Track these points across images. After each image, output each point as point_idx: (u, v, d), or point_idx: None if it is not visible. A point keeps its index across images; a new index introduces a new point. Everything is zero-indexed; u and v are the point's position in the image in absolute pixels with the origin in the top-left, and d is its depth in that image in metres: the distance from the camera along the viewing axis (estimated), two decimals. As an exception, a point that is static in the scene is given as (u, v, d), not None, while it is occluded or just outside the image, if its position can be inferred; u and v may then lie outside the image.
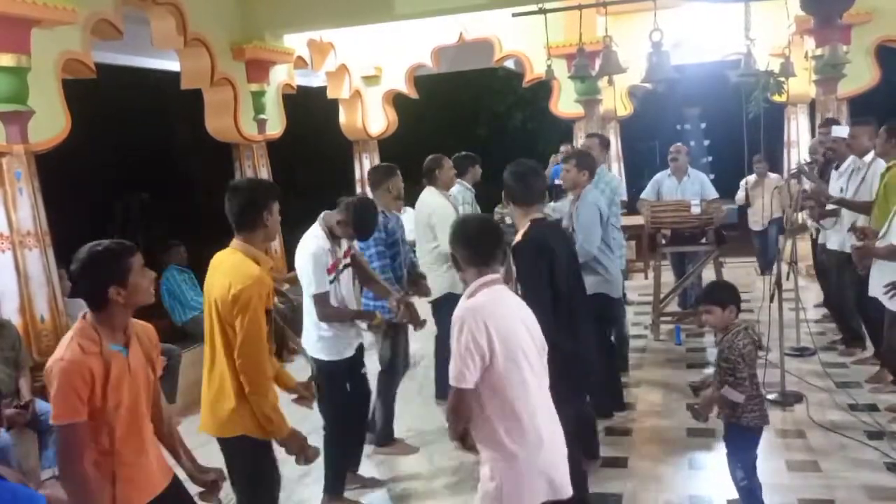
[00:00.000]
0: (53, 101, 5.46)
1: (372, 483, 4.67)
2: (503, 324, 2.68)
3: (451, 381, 2.67)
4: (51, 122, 5.41)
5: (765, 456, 3.98)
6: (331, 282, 4.17)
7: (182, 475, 3.01)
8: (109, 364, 2.60)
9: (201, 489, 3.03)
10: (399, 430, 5.30)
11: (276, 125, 8.28)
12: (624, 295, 8.95)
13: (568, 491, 2.79)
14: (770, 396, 5.35)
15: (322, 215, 4.29)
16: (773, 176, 9.80)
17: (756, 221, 9.93)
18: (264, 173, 8.07)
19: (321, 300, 4.14)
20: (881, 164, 5.45)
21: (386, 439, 5.15)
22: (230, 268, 3.15)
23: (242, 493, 3.32)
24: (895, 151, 5.25)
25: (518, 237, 3.73)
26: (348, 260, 4.35)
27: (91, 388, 2.55)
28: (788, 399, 5.44)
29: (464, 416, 2.72)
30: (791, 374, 5.73)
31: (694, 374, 6.26)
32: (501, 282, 2.85)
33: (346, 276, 4.34)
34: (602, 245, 5.15)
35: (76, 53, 5.67)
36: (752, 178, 9.89)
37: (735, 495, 3.95)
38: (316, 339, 4.25)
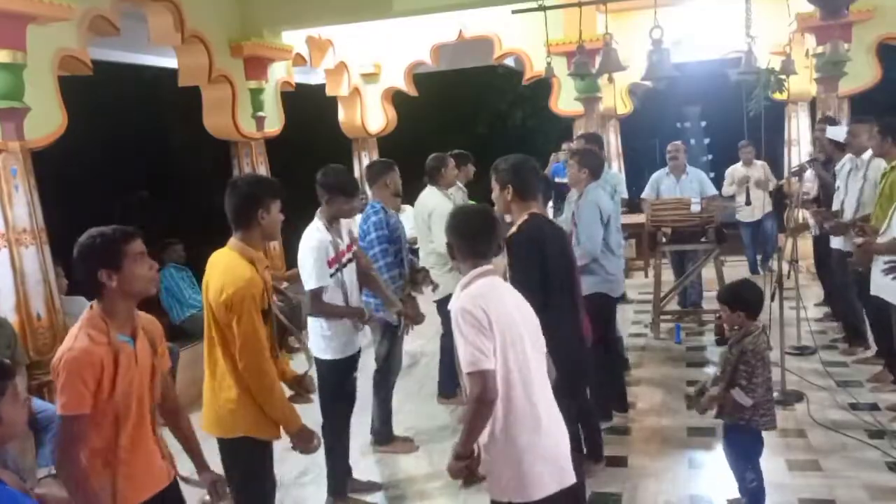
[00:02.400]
0: (50, 97, 5.42)
1: (369, 487, 4.62)
2: (501, 311, 2.67)
3: (468, 368, 2.58)
4: (47, 119, 5.37)
5: (765, 455, 3.95)
6: (332, 275, 4.13)
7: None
8: (118, 354, 2.58)
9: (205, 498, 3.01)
10: (399, 428, 5.28)
11: (274, 123, 8.24)
12: (623, 293, 8.97)
13: (572, 478, 2.78)
14: (770, 395, 5.33)
15: (319, 209, 4.26)
16: (758, 163, 9.59)
17: (747, 213, 9.67)
18: (263, 171, 8.02)
19: (315, 295, 4.10)
20: (881, 163, 5.41)
21: (385, 438, 5.13)
22: (222, 270, 3.12)
23: (240, 492, 3.28)
24: (894, 150, 5.21)
25: (514, 229, 3.71)
26: (351, 254, 4.31)
27: (99, 379, 2.53)
28: (789, 398, 5.41)
29: (492, 401, 2.60)
30: (792, 373, 5.70)
31: (693, 372, 6.24)
32: (496, 272, 2.83)
33: (350, 269, 4.30)
34: (603, 245, 5.09)
35: (72, 50, 5.63)
36: (738, 166, 9.70)
37: (734, 494, 3.93)
38: (318, 337, 4.24)
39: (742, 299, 3.80)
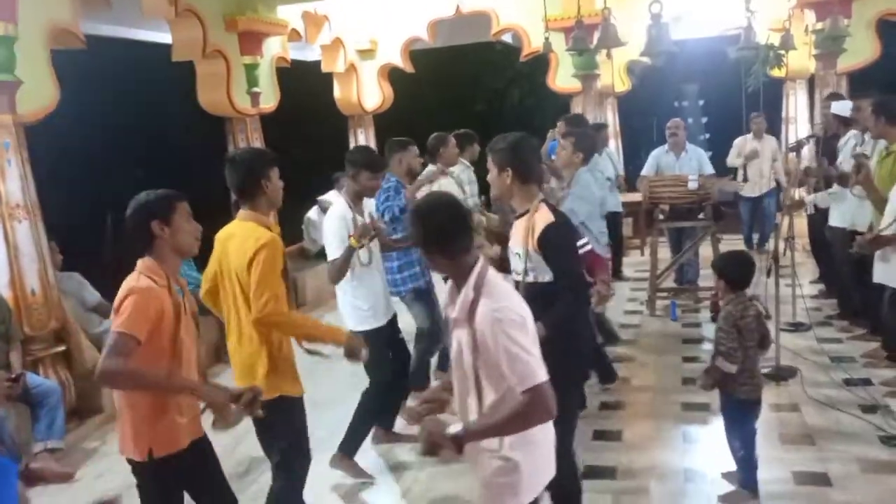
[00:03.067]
0: (42, 71, 5.37)
1: (408, 438, 4.75)
2: (522, 304, 2.44)
3: (532, 382, 2.26)
4: (39, 93, 5.33)
5: (759, 430, 3.97)
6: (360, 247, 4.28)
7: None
8: (178, 301, 2.81)
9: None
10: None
11: (269, 98, 8.19)
12: (620, 271, 8.98)
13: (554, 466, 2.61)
14: (764, 371, 5.32)
15: (344, 188, 4.50)
16: (770, 138, 9.40)
17: (751, 188, 9.40)
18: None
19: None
20: (881, 144, 5.35)
21: (419, 381, 5.06)
22: (243, 236, 3.26)
23: (285, 451, 3.42)
24: (893, 130, 5.15)
25: (549, 219, 3.28)
26: (373, 232, 4.36)
27: (160, 318, 2.71)
28: (783, 373, 5.43)
29: (548, 417, 2.33)
30: (786, 349, 5.72)
31: (689, 348, 6.25)
32: (487, 264, 2.50)
33: (375, 246, 4.43)
34: (582, 227, 5.02)
35: (65, 22, 5.58)
36: (748, 137, 9.42)
37: (728, 468, 3.95)
38: (351, 309, 4.39)
39: (727, 270, 3.87)
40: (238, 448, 4.60)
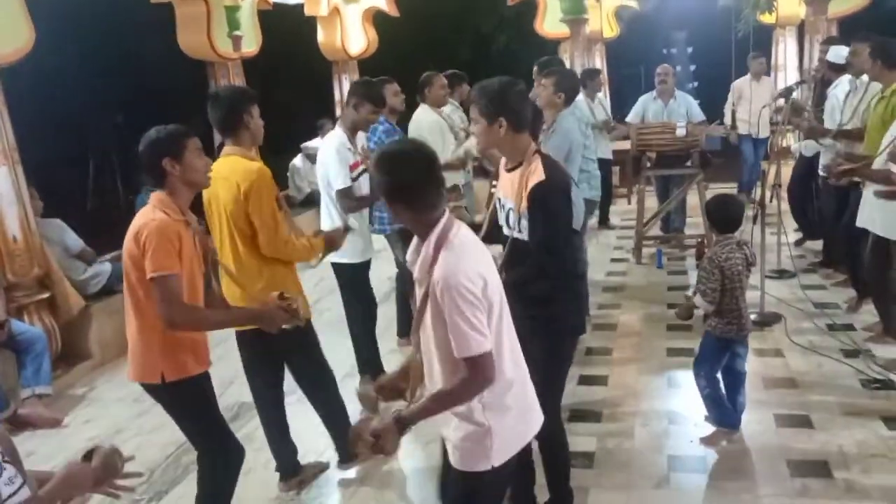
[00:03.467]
0: (17, 12, 5.22)
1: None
2: (484, 264, 2.32)
3: (467, 353, 2.20)
4: (14, 34, 5.19)
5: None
6: (354, 178, 4.35)
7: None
8: (190, 233, 2.87)
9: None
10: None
11: (251, 42, 8.04)
12: (607, 219, 8.99)
13: (542, 417, 2.55)
14: (750, 317, 5.38)
15: (339, 120, 4.54)
16: (768, 79, 9.12)
17: (746, 123, 8.90)
18: (241, 93, 7.85)
19: (345, 194, 4.31)
20: (876, 88, 5.29)
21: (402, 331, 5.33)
22: (231, 171, 3.32)
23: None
24: (889, 74, 5.09)
25: (540, 177, 2.95)
26: (364, 167, 4.45)
27: (179, 249, 2.77)
28: (767, 319, 5.49)
29: (487, 385, 2.26)
30: (771, 296, 5.77)
31: (674, 295, 6.29)
32: (454, 219, 2.35)
33: (365, 181, 4.46)
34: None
35: (39, -39, 5.40)
36: (747, 79, 9.02)
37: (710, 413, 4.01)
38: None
39: (715, 212, 3.93)
40: (227, 392, 4.62)
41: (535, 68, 6.26)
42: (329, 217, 4.46)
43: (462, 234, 2.32)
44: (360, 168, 4.46)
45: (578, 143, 4.89)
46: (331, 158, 4.36)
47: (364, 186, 4.46)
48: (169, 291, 2.72)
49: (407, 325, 5.16)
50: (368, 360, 4.73)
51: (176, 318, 2.75)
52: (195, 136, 2.93)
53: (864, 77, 5.54)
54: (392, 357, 5.00)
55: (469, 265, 2.23)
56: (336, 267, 4.54)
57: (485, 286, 2.23)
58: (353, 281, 4.59)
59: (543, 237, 2.92)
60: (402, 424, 2.28)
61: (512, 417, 2.40)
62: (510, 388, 2.37)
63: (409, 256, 2.43)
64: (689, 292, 3.89)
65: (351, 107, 4.44)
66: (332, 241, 3.78)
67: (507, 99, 2.96)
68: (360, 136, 4.77)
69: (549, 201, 2.95)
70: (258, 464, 3.94)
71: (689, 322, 4.18)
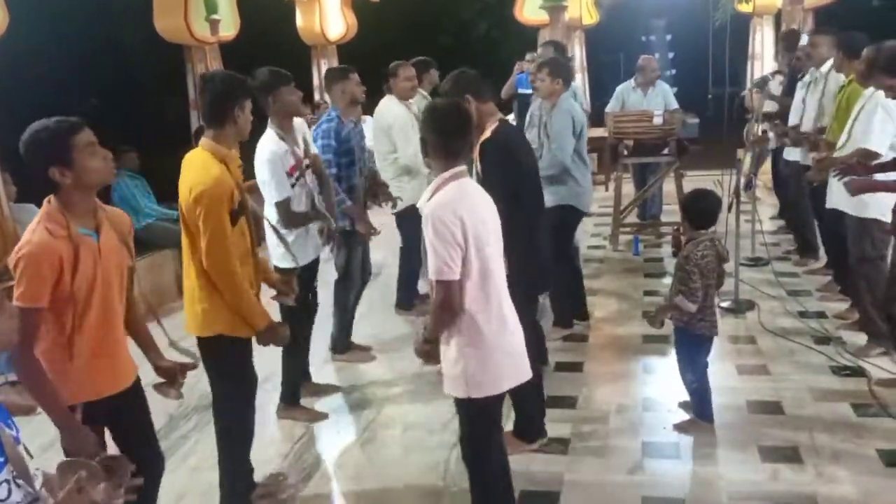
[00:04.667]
0: (-12, -7, 5.14)
1: (328, 389, 4.70)
2: (472, 215, 2.67)
3: (435, 276, 2.64)
4: (-14, 16, 5.10)
5: (716, 361, 4.08)
6: (293, 183, 4.04)
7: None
8: (78, 247, 2.50)
9: (160, 381, 2.92)
10: (357, 337, 5.31)
11: (229, 26, 7.95)
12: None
13: (528, 373, 2.91)
14: (724, 304, 5.46)
15: (270, 118, 4.08)
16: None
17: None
18: (218, 77, 7.76)
19: (283, 206, 4.01)
20: (838, 78, 5.37)
21: (341, 346, 5.16)
22: (192, 170, 3.10)
23: (220, 390, 3.34)
24: (849, 65, 5.18)
25: (487, 134, 3.61)
26: (308, 161, 4.22)
27: (59, 273, 2.46)
28: (741, 307, 5.56)
29: (454, 310, 2.68)
30: (745, 283, 5.84)
31: (651, 282, 6.36)
32: (467, 174, 2.82)
33: (311, 178, 4.22)
34: (575, 156, 5.00)
35: (11, -58, 5.31)
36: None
37: (685, 398, 4.06)
38: (275, 245, 4.11)
39: (690, 207, 3.93)
40: (199, 384, 4.60)
41: (542, 47, 6.34)
42: (272, 230, 4.04)
43: (468, 182, 2.80)
44: (306, 161, 4.17)
45: (581, 118, 5.12)
46: (263, 168, 3.99)
47: (310, 182, 4.17)
48: (24, 326, 2.31)
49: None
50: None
51: (20, 359, 2.47)
52: (83, 127, 2.52)
53: (823, 68, 5.65)
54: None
55: (454, 206, 2.63)
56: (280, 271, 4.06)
57: (464, 228, 2.61)
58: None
59: (491, 185, 3.16)
60: (425, 342, 2.86)
61: (490, 359, 2.75)
62: (491, 333, 2.73)
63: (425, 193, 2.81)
64: (677, 298, 3.80)
65: (271, 102, 4.00)
66: (273, 334, 3.24)
67: (462, 80, 3.64)
68: (299, 124, 4.30)
69: (489, 154, 3.56)
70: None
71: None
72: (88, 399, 2.60)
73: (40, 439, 4.12)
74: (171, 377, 2.90)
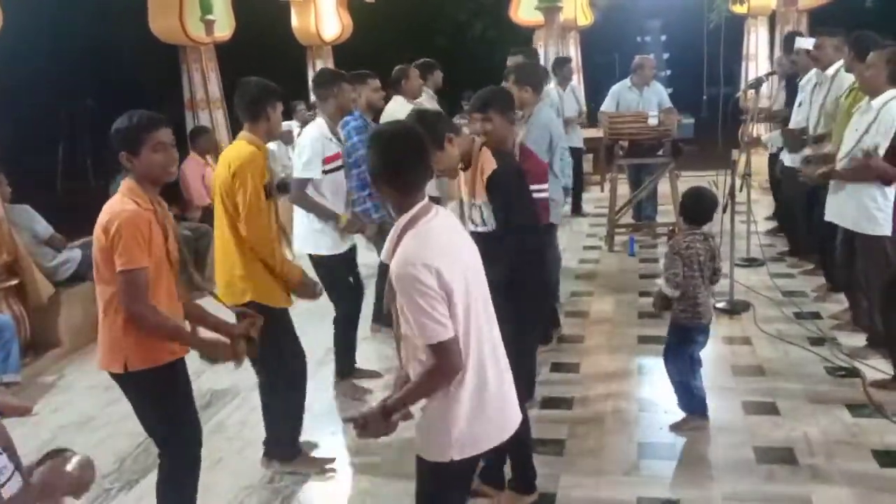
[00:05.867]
0: (-17, -7, 5.12)
1: (371, 374, 4.81)
2: (454, 260, 2.29)
3: (429, 342, 2.22)
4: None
5: (711, 361, 4.08)
6: (325, 172, 4.28)
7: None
8: (163, 220, 2.85)
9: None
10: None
11: (224, 27, 7.94)
12: (580, 207, 9.06)
13: (516, 424, 2.51)
14: (719, 305, 5.47)
15: (321, 108, 4.46)
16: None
17: None
18: (213, 78, 7.77)
19: (300, 183, 4.27)
20: (845, 79, 5.32)
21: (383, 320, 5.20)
22: (230, 151, 3.55)
23: (260, 358, 3.43)
24: (860, 66, 5.12)
25: (493, 166, 3.38)
26: (340, 162, 4.40)
27: (149, 240, 2.74)
28: (736, 307, 5.57)
29: (456, 371, 2.28)
30: (740, 284, 5.85)
31: (646, 283, 6.36)
32: (429, 208, 2.35)
33: (341, 175, 4.41)
34: (547, 171, 4.97)
35: (6, -58, 5.29)
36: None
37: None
38: (308, 232, 4.37)
39: (686, 206, 3.98)
40: (199, 380, 4.60)
41: (510, 57, 6.34)
42: (304, 222, 4.38)
43: (435, 222, 2.32)
44: (338, 161, 4.37)
45: (559, 133, 5.07)
46: (304, 146, 4.30)
47: (328, 186, 4.31)
48: (135, 287, 2.70)
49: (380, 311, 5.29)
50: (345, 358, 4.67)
51: (136, 314, 2.73)
52: (163, 126, 2.83)
53: (829, 71, 5.56)
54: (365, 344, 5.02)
55: (425, 254, 2.23)
56: (312, 259, 4.43)
57: (440, 277, 2.21)
58: (331, 274, 4.41)
59: (517, 217, 3.19)
60: (388, 412, 2.35)
61: (477, 415, 2.34)
62: (476, 387, 2.33)
63: (385, 244, 2.41)
64: (661, 283, 3.90)
65: (332, 97, 4.36)
66: (303, 289, 3.70)
67: (435, 120, 3.18)
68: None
69: (506, 185, 3.35)
70: (231, 452, 3.94)
71: (662, 313, 4.16)
72: (154, 364, 2.84)
73: (34, 441, 4.13)
74: (245, 331, 3.09)
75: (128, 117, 2.82)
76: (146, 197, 2.82)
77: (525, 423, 2.81)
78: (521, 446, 3.29)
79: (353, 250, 4.59)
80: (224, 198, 3.46)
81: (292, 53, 10.76)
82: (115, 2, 10.38)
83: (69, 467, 1.87)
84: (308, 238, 4.37)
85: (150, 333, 2.79)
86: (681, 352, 3.96)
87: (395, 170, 2.31)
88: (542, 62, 7.37)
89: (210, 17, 7.59)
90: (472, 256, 2.42)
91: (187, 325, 3.03)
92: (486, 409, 2.37)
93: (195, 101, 7.69)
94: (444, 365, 2.26)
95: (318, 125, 4.37)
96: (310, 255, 4.41)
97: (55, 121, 13.42)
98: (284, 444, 3.78)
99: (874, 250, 4.47)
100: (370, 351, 5.15)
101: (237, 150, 3.51)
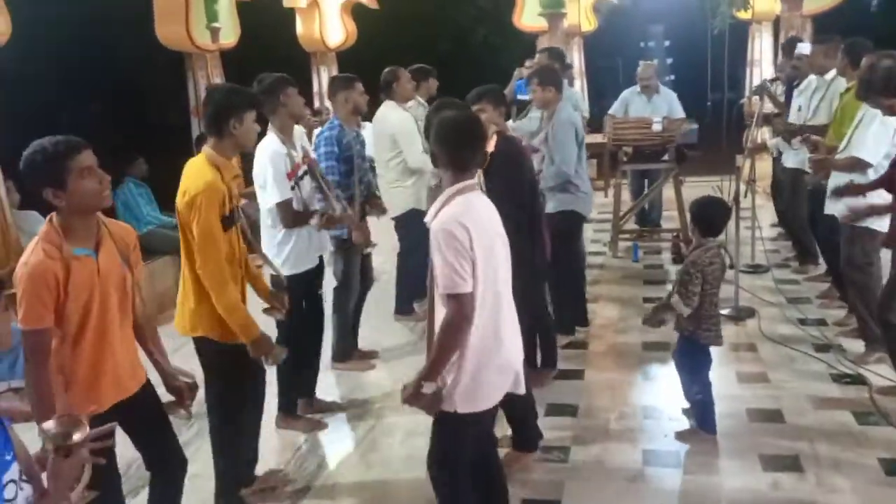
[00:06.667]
0: (-10, 1, 5.16)
1: (332, 407, 4.60)
2: (481, 229, 2.61)
3: (445, 290, 2.54)
4: (-12, 25, 5.12)
5: (716, 367, 4.07)
6: (291, 188, 4.04)
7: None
8: (70, 268, 2.50)
9: (170, 399, 2.95)
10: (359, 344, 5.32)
11: (230, 34, 7.98)
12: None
13: (521, 389, 2.86)
14: (724, 311, 5.45)
15: (270, 122, 4.09)
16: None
17: None
18: (219, 85, 7.79)
19: (285, 207, 4.00)
20: (841, 84, 5.40)
21: (342, 355, 5.14)
22: (188, 175, 3.21)
23: (209, 388, 3.39)
24: (852, 72, 5.19)
25: (490, 147, 3.65)
26: (306, 167, 4.20)
27: (57, 293, 2.49)
28: (741, 314, 5.57)
29: (466, 325, 2.57)
30: (745, 290, 5.85)
31: (650, 289, 6.36)
32: (477, 188, 2.75)
33: (307, 181, 4.20)
34: (577, 164, 5.03)
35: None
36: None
37: (687, 404, 4.06)
38: (275, 252, 4.10)
39: (700, 215, 3.87)
40: (199, 391, 4.60)
41: (539, 54, 6.39)
42: (269, 235, 4.11)
43: (477, 199, 2.71)
44: (302, 169, 4.14)
45: (581, 128, 5.19)
46: (264, 170, 3.99)
47: (305, 191, 4.14)
48: (33, 349, 2.48)
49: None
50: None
51: (31, 381, 2.53)
52: (85, 148, 2.50)
53: (827, 76, 5.67)
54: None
55: (460, 218, 2.56)
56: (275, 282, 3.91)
57: (470, 238, 2.53)
58: (295, 293, 3.91)
59: (501, 196, 3.17)
60: (420, 381, 2.65)
61: (482, 374, 2.65)
62: (487, 348, 2.65)
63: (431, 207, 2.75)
64: (673, 298, 3.77)
65: (276, 109, 4.02)
66: (262, 346, 3.27)
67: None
68: (298, 134, 4.31)
69: (497, 166, 3.56)
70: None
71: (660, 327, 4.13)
72: (94, 412, 2.59)
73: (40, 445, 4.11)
74: (180, 396, 2.93)
75: (41, 148, 2.45)
76: (61, 241, 2.50)
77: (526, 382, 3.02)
78: (522, 404, 3.53)
79: (319, 268, 4.34)
80: (183, 225, 3.17)
81: (297, 60, 10.80)
82: (120, 9, 10.42)
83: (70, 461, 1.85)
84: (273, 258, 4.01)
85: (31, 395, 2.57)
86: (703, 371, 3.89)
87: (455, 151, 2.68)
88: (567, 61, 7.35)
89: (216, 24, 7.63)
90: (499, 231, 2.73)
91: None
92: (496, 364, 2.70)
93: (201, 108, 7.72)
94: (456, 315, 2.55)
95: (270, 142, 4.01)
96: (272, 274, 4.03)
97: (63, 127, 13.46)
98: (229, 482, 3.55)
99: (852, 238, 4.54)
100: (329, 382, 4.91)
101: (194, 176, 3.16)
